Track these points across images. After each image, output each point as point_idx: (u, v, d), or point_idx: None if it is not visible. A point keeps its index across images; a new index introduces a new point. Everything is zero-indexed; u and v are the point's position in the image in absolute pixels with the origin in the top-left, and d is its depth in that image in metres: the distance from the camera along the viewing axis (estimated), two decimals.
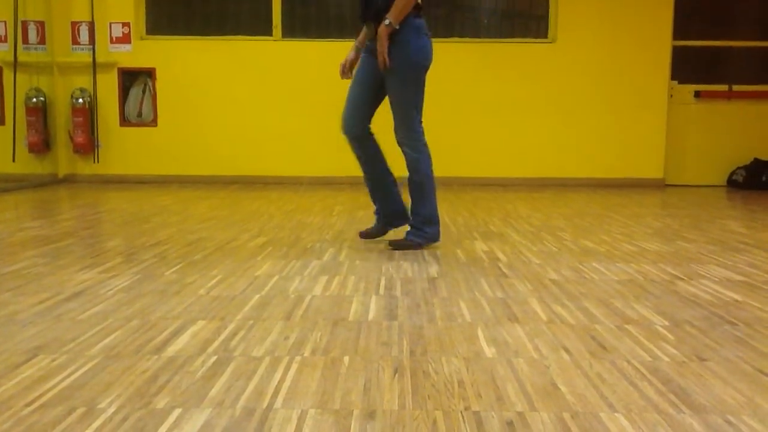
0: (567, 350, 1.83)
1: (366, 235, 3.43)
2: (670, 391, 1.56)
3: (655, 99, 6.80)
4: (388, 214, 3.37)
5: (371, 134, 3.28)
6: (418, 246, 3.29)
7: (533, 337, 1.94)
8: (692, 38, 6.86)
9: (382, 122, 3.40)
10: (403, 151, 3.20)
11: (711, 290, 2.54)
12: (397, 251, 3.23)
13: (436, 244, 3.42)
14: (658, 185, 6.85)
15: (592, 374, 1.66)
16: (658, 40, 6.73)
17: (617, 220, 4.40)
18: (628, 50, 6.74)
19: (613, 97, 6.79)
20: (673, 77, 6.85)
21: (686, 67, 6.88)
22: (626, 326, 2.06)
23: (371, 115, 3.26)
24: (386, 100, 3.24)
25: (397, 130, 3.17)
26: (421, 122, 3.19)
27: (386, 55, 3.03)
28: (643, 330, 2.02)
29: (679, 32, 6.79)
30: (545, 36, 6.79)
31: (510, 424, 1.38)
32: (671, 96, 6.87)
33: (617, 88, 6.79)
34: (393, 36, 3.03)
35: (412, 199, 3.24)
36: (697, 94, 6.88)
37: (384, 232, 3.43)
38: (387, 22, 3.01)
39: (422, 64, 3.12)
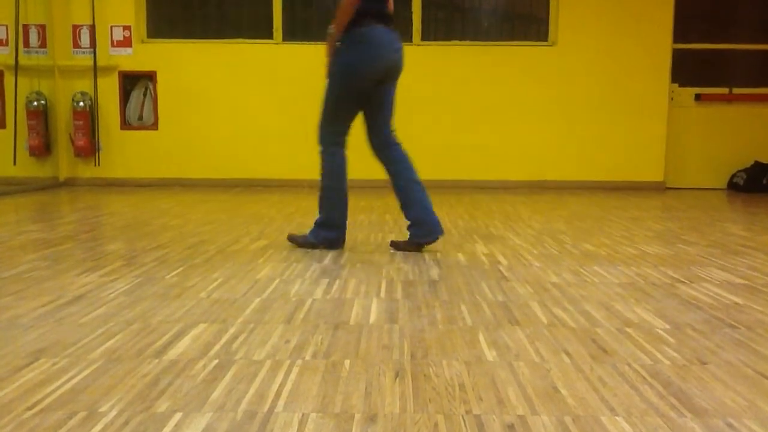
0: (568, 353, 1.83)
1: (396, 246, 3.38)
2: (671, 394, 1.56)
3: (656, 102, 6.80)
4: (413, 222, 3.29)
5: (390, 144, 3.27)
6: (309, 244, 3.33)
7: (534, 341, 1.94)
8: (692, 41, 6.87)
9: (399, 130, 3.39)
10: None
11: (712, 293, 2.54)
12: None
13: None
14: (659, 188, 6.85)
15: (593, 377, 1.66)
16: (659, 43, 6.74)
17: (618, 223, 4.40)
18: (629, 53, 6.75)
19: (614, 100, 6.80)
20: (674, 80, 6.86)
21: (686, 70, 6.89)
22: (627, 329, 2.06)
23: (375, 125, 3.26)
24: (396, 102, 3.33)
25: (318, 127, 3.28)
26: (337, 132, 3.21)
27: (328, 63, 3.13)
28: (643, 333, 2.02)
29: (679, 35, 6.80)
30: (545, 39, 6.80)
31: (511, 427, 1.38)
32: (671, 99, 6.88)
33: (617, 91, 6.79)
34: (338, 43, 3.10)
35: (318, 197, 3.34)
36: (698, 97, 6.89)
37: (415, 245, 3.31)
38: (329, 29, 3.06)
39: (350, 76, 3.09)
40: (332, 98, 3.16)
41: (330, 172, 3.23)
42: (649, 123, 6.82)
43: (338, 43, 3.09)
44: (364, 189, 6.54)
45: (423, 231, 3.24)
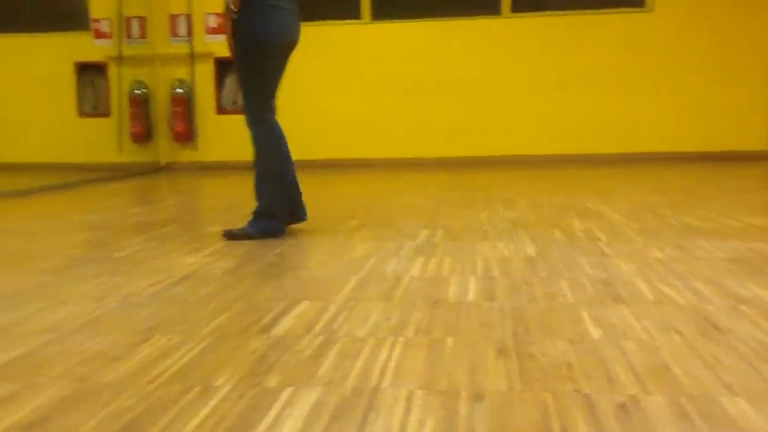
0: (678, 331, 1.77)
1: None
2: None
3: (759, 66, 6.40)
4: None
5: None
6: (250, 237, 3.13)
7: (641, 318, 1.88)
8: None
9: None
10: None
11: None
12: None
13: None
14: (762, 157, 6.47)
15: (707, 356, 1.59)
16: (763, 3, 6.33)
17: (719, 194, 4.19)
18: (730, 15, 6.37)
19: (714, 65, 6.45)
20: None
21: None
22: (741, 306, 1.97)
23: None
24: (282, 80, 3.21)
25: (243, 111, 3.10)
26: (267, 105, 3.07)
27: (228, 39, 2.96)
28: (759, 310, 1.93)
29: None
30: (642, 5, 6.51)
31: (623, 407, 1.34)
32: None
33: (718, 56, 6.43)
34: (236, 18, 2.91)
35: (254, 185, 3.13)
36: None
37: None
38: (225, 4, 2.90)
39: (261, 42, 2.95)
40: (251, 69, 3.01)
41: (271, 153, 3.09)
42: (752, 88, 6.43)
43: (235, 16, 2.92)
44: (450, 165, 6.50)
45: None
